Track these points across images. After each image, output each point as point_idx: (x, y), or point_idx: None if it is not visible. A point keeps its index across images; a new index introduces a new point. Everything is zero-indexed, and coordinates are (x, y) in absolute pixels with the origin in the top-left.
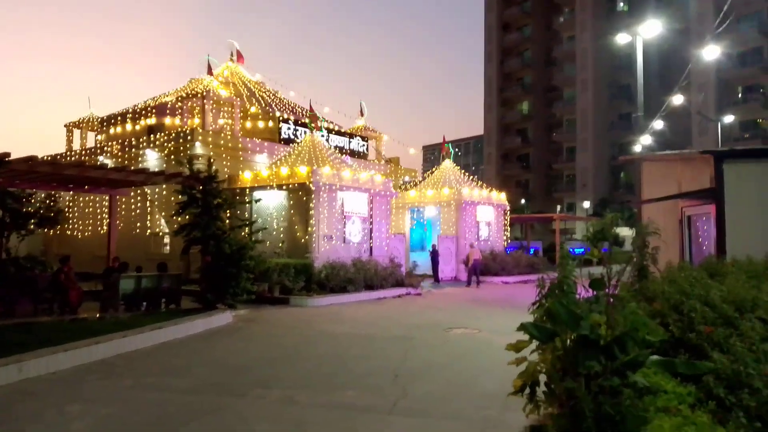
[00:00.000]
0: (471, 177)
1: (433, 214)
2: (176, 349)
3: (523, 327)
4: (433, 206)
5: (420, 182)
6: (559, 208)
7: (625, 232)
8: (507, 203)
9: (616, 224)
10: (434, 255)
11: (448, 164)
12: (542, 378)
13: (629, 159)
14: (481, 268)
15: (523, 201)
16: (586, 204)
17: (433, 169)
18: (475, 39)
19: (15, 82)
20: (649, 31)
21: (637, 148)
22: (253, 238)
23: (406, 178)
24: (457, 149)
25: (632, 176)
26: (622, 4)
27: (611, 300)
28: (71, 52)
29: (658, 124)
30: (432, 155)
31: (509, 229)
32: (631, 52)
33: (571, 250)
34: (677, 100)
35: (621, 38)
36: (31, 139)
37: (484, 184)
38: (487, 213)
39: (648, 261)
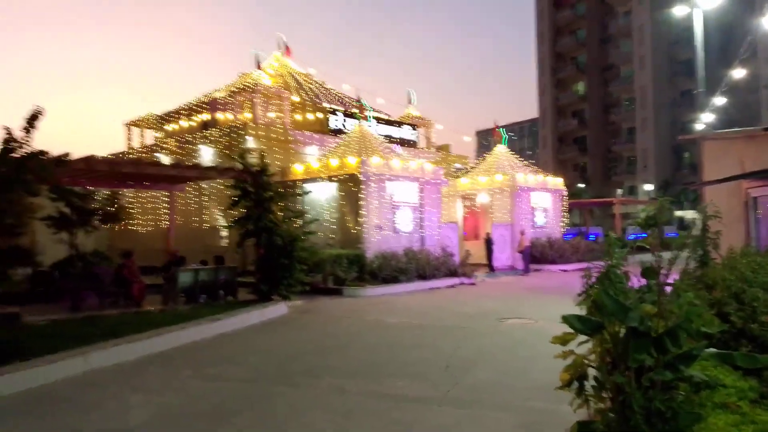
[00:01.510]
0: (525, 162)
1: (486, 201)
2: (233, 339)
3: (565, 319)
4: (486, 193)
5: (472, 169)
6: (620, 191)
7: (691, 215)
8: (564, 188)
9: (669, 208)
10: (488, 243)
11: (500, 149)
12: (592, 372)
13: (688, 138)
14: (538, 256)
15: (580, 185)
16: (649, 187)
17: (486, 155)
18: (527, 19)
19: (78, 84)
20: (708, 1)
21: (699, 127)
22: (305, 230)
23: (458, 165)
24: (511, 133)
25: (696, 156)
26: None
27: (664, 289)
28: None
29: (721, 101)
30: (486, 140)
31: (567, 215)
32: (691, 25)
33: (634, 235)
34: (739, 74)
35: (679, 11)
36: (94, 139)
37: (540, 169)
38: (543, 199)
39: (709, 246)
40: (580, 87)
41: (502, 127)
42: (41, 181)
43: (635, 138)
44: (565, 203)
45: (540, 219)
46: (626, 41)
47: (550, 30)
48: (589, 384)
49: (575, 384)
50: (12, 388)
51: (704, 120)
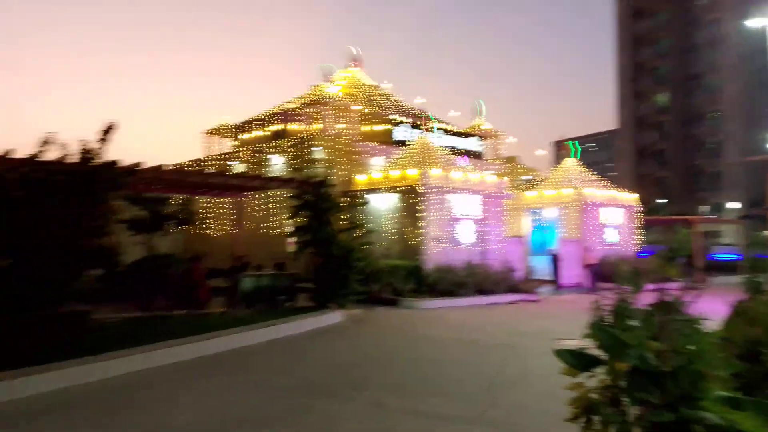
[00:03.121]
0: (597, 176)
1: (554, 216)
2: (285, 346)
3: (558, 354)
4: (554, 207)
5: (540, 181)
6: (703, 208)
7: None
8: (638, 204)
9: (690, 240)
10: (555, 259)
11: (570, 162)
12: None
13: (758, 159)
14: (605, 275)
15: (660, 201)
16: (735, 204)
17: (555, 167)
18: (606, 28)
19: (162, 95)
20: None
21: None
22: (363, 241)
23: (526, 177)
24: (589, 145)
25: None
26: None
27: (672, 324)
28: (210, 67)
29: None
30: (561, 151)
31: (642, 232)
32: None
33: (720, 255)
34: None
35: (754, 22)
36: (177, 146)
37: (616, 183)
38: (614, 214)
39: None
40: (661, 98)
41: (578, 139)
42: (112, 189)
43: (720, 152)
44: (639, 220)
45: (611, 236)
46: (712, 51)
47: (630, 40)
48: (597, 419)
49: (583, 418)
50: (74, 381)
51: None
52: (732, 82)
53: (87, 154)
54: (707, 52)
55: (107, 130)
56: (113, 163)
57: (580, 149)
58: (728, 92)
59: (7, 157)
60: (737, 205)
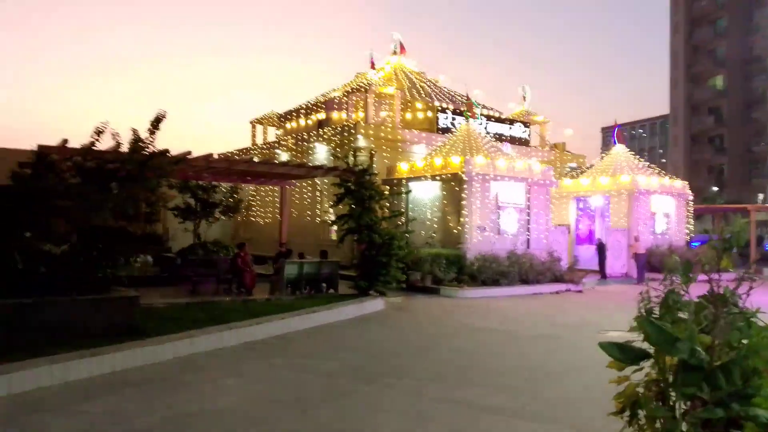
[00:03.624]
0: (648, 163)
1: (601, 204)
2: (327, 332)
3: (603, 347)
4: (601, 195)
5: (588, 169)
6: (761, 196)
7: None
8: (689, 192)
9: (745, 230)
10: (601, 249)
11: (620, 149)
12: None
13: None
14: (657, 264)
15: (715, 189)
16: None
17: (603, 154)
18: (659, 8)
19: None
20: None
21: None
22: (404, 229)
23: (573, 165)
24: (640, 130)
25: None
26: None
27: (724, 318)
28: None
29: None
30: (610, 138)
31: (694, 221)
32: None
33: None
34: None
35: None
36: (225, 133)
37: (669, 171)
38: (665, 203)
39: None
40: (719, 81)
41: (629, 124)
42: (162, 177)
43: None
44: (690, 208)
45: (660, 225)
46: None
47: (686, 20)
48: (643, 413)
49: (627, 412)
50: (125, 364)
51: None
52: None
53: (138, 143)
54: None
55: (157, 121)
56: (164, 152)
57: (625, 135)
58: None
59: (63, 146)
60: None
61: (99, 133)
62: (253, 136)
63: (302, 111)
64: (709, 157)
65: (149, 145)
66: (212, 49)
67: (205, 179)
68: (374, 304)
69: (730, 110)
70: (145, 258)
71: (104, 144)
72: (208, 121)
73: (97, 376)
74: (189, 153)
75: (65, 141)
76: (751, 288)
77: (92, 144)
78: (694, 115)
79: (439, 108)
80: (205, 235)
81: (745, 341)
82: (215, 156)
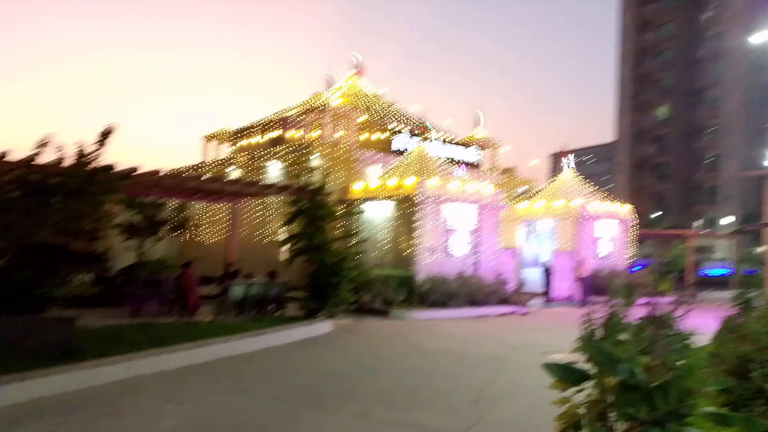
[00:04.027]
0: (594, 188)
1: (549, 228)
2: (273, 355)
3: (547, 368)
4: (549, 219)
5: (537, 193)
6: (698, 223)
7: None
8: (632, 217)
9: (683, 256)
10: (547, 272)
11: (567, 174)
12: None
13: (753, 175)
14: (597, 288)
15: (656, 214)
16: (730, 219)
17: (552, 179)
18: (607, 39)
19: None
20: None
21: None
22: (356, 249)
23: (523, 188)
24: (588, 156)
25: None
26: None
27: (663, 339)
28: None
29: None
30: (559, 163)
31: (637, 245)
32: None
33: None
34: None
35: (756, 38)
36: (174, 150)
37: (613, 196)
38: (610, 227)
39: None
40: (663, 111)
41: (577, 151)
42: (108, 192)
43: (719, 167)
44: (633, 233)
45: (604, 248)
46: (715, 65)
47: (634, 51)
48: None
49: None
50: (56, 389)
51: None
52: (733, 96)
53: (83, 157)
54: (710, 65)
55: (105, 134)
56: (110, 166)
57: (569, 162)
58: (729, 106)
59: (3, 159)
60: (731, 219)
61: (42, 145)
62: (205, 152)
63: (257, 128)
64: (652, 183)
65: (96, 159)
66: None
67: (152, 195)
68: (323, 326)
69: (673, 139)
70: (85, 276)
71: (47, 156)
72: (159, 136)
73: (26, 402)
74: (137, 168)
75: (4, 154)
76: (687, 311)
77: (33, 157)
78: (639, 142)
79: (395, 129)
80: (150, 253)
81: (681, 362)
82: (164, 172)
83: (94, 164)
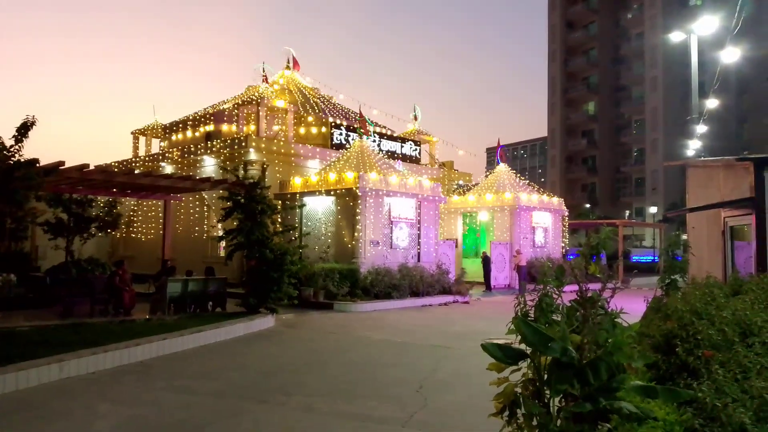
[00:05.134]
0: (528, 181)
1: (486, 220)
2: (214, 352)
3: (485, 348)
4: (486, 211)
5: (474, 186)
6: (627, 213)
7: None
8: (565, 208)
9: (613, 238)
10: (486, 262)
11: (503, 168)
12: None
13: (675, 164)
14: (536, 276)
15: (588, 205)
16: (656, 209)
17: (488, 173)
18: (538, 38)
19: (85, 91)
20: (704, 28)
21: (690, 153)
22: (297, 244)
23: (460, 182)
24: (521, 150)
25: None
26: None
27: (593, 319)
28: (137, 61)
29: (704, 128)
30: (494, 157)
31: (569, 235)
32: (705, 48)
33: (637, 257)
34: (712, 104)
35: (676, 36)
36: (103, 146)
37: (546, 189)
38: (544, 218)
39: (678, 274)
40: (591, 107)
41: (512, 145)
42: (30, 189)
43: (644, 159)
44: (566, 223)
45: (540, 238)
46: (638, 63)
47: (562, 50)
48: (521, 412)
49: (507, 412)
50: None
51: (692, 147)
52: (655, 92)
53: (1, 152)
54: (634, 63)
55: (25, 127)
56: (32, 162)
57: (507, 156)
58: (652, 102)
59: None
60: (656, 209)
61: None
62: (135, 147)
63: (189, 123)
64: (583, 176)
65: (15, 154)
66: (94, 59)
67: (80, 192)
68: (265, 322)
69: (601, 133)
70: (8, 277)
71: None
72: (87, 132)
73: None
74: (62, 163)
75: None
76: (614, 292)
77: None
78: (570, 137)
79: (333, 124)
80: (79, 252)
81: (610, 340)
82: (92, 167)
83: (13, 159)
